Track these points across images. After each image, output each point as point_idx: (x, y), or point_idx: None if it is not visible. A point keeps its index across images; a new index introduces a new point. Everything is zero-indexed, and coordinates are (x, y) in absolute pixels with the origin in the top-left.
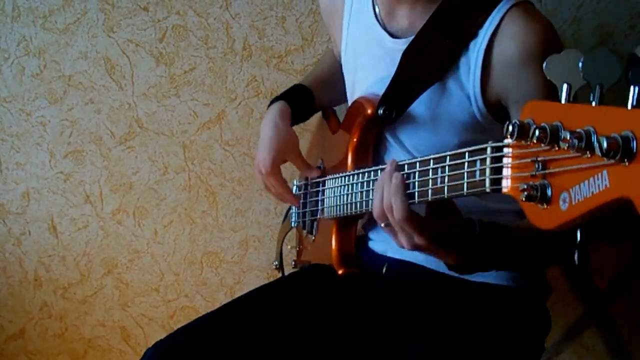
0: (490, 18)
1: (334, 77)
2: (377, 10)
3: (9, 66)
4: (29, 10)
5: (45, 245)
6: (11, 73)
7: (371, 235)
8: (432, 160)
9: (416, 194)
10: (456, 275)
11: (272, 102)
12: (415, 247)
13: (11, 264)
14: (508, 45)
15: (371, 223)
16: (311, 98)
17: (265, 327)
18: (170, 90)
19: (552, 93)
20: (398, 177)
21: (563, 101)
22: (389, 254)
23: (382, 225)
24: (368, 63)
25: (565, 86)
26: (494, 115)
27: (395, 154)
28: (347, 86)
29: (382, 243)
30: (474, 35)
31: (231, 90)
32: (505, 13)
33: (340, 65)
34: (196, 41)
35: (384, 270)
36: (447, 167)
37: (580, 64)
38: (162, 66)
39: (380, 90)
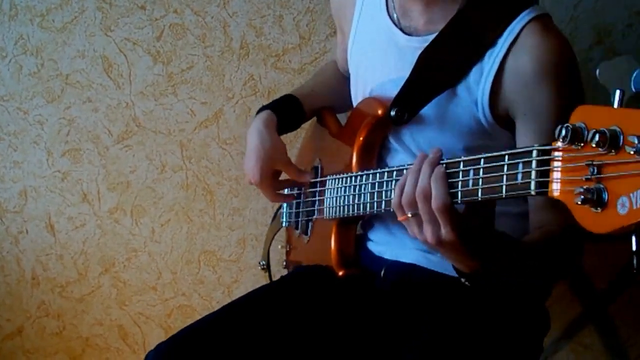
0: (510, 28)
1: (334, 87)
2: (390, 6)
3: (6, 65)
4: (26, 8)
5: (43, 243)
6: (9, 72)
7: (370, 235)
8: (462, 163)
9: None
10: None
11: (258, 112)
12: (438, 242)
13: (9, 263)
14: (523, 58)
15: (371, 223)
16: (299, 107)
17: (267, 328)
18: (168, 89)
19: (564, 108)
20: (441, 168)
21: (615, 106)
22: (387, 256)
23: (407, 215)
24: (377, 60)
25: (617, 92)
26: (499, 122)
27: (398, 156)
28: (351, 82)
29: (382, 244)
30: (492, 43)
31: (228, 89)
32: (525, 25)
33: (345, 76)
34: (193, 40)
35: (382, 273)
36: (481, 170)
37: (635, 74)
38: (159, 65)
39: (390, 89)
